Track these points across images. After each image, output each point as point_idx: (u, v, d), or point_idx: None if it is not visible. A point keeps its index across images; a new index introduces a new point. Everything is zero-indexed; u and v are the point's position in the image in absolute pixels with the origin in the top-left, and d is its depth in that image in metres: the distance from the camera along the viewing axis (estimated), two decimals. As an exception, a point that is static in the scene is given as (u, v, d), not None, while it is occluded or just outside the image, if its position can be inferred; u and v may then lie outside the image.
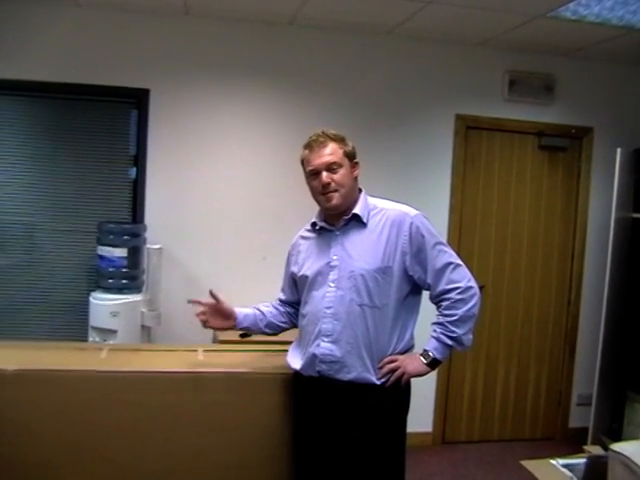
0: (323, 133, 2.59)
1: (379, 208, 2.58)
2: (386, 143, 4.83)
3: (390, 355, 2.49)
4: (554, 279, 5.25)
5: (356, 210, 2.55)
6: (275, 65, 4.65)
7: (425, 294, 2.61)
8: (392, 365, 2.48)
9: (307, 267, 2.65)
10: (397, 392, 2.50)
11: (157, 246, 4.32)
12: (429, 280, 2.50)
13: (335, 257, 2.54)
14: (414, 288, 2.54)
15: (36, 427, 2.54)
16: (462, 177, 4.99)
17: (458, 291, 2.48)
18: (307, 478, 2.61)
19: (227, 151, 4.64)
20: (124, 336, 4.01)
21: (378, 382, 2.46)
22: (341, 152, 2.55)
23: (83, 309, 4.29)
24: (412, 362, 2.49)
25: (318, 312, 2.54)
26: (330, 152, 2.54)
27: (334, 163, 2.53)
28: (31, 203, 4.46)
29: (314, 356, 2.51)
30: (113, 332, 4.02)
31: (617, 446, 3.22)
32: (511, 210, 5.12)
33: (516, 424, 5.25)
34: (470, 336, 2.52)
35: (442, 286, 2.49)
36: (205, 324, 2.83)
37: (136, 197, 4.54)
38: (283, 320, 2.89)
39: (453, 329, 2.47)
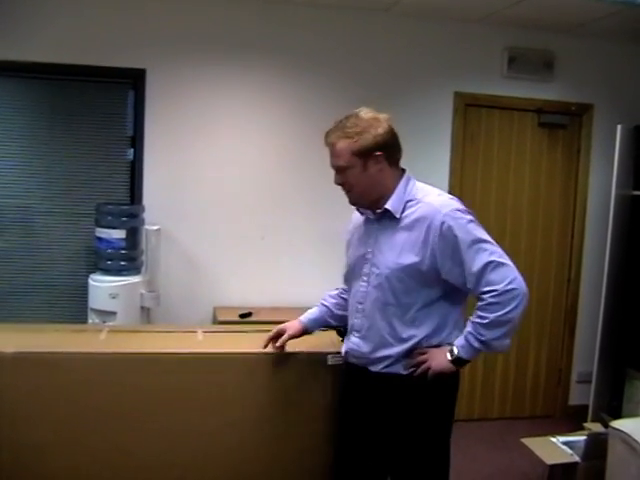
0: (335, 127, 2.41)
1: (416, 200, 2.39)
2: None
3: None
4: (554, 257, 5.24)
5: (388, 205, 2.38)
6: (272, 44, 4.61)
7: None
8: (420, 358, 2.36)
9: (350, 254, 2.58)
10: (432, 384, 2.37)
11: (155, 227, 4.31)
12: (469, 284, 2.31)
13: (370, 250, 2.44)
14: (453, 287, 2.37)
15: (36, 409, 2.54)
16: (461, 155, 4.96)
17: (494, 294, 2.26)
18: (345, 461, 2.59)
19: (225, 131, 4.62)
20: (123, 318, 4.01)
21: (405, 372, 2.38)
22: (349, 152, 2.34)
23: (82, 291, 4.28)
24: (438, 356, 2.36)
25: (352, 306, 2.51)
26: (337, 154, 2.37)
27: (339, 167, 2.39)
28: (28, 186, 4.44)
29: (347, 348, 2.53)
30: (112, 314, 4.01)
31: (617, 423, 3.25)
32: (510, 188, 5.10)
33: (516, 402, 5.27)
34: (505, 341, 2.32)
35: (480, 288, 2.28)
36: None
37: (134, 178, 4.52)
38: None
39: (482, 332, 2.28)
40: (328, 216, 4.57)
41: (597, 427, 3.83)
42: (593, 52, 5.11)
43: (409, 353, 2.37)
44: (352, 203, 2.50)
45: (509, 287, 2.28)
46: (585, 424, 4.06)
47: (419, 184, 2.50)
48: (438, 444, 2.47)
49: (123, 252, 4.14)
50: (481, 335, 2.30)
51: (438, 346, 2.37)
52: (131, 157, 4.52)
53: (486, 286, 2.27)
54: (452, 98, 4.91)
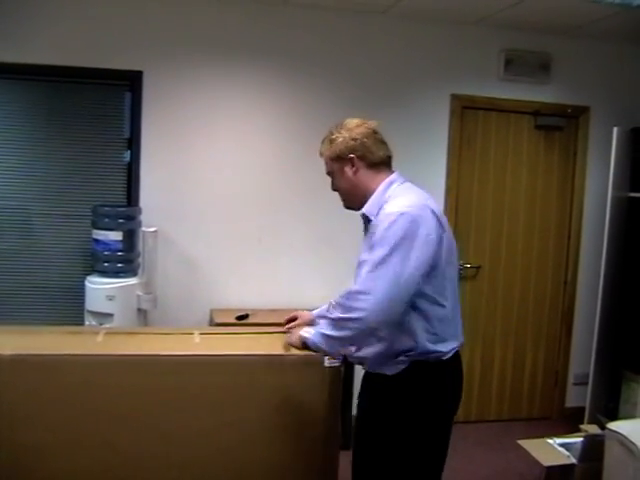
0: (324, 138, 2.57)
1: (387, 203, 2.39)
2: (382, 123, 4.78)
3: None
4: (551, 259, 5.25)
5: (364, 207, 2.45)
6: (270, 46, 4.61)
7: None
8: (287, 326, 2.65)
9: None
10: (400, 382, 2.38)
11: (152, 229, 4.30)
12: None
13: (360, 253, 2.47)
14: None
15: (34, 411, 2.54)
16: (458, 157, 4.97)
17: (344, 293, 2.32)
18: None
19: (222, 133, 4.61)
20: (120, 320, 4.01)
21: (389, 373, 2.38)
22: (328, 158, 2.52)
23: (79, 293, 4.26)
24: (295, 333, 2.54)
25: None
26: (324, 162, 2.55)
27: (327, 174, 2.57)
28: (25, 187, 4.43)
29: None
30: (109, 316, 4.01)
31: (614, 425, 3.26)
32: (507, 190, 5.11)
33: (513, 404, 5.27)
34: (336, 346, 2.41)
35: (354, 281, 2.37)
36: None
37: (131, 180, 4.52)
38: None
39: (325, 326, 2.40)
40: (325, 218, 4.58)
41: (594, 429, 3.83)
42: (590, 54, 5.12)
43: (384, 356, 2.38)
44: (345, 207, 2.59)
45: (360, 299, 2.24)
46: (582, 426, 4.06)
47: (401, 187, 2.48)
48: (403, 446, 2.42)
49: (120, 254, 4.14)
50: (322, 328, 2.40)
51: (404, 352, 2.34)
52: (128, 159, 4.52)
53: (355, 284, 2.32)
54: (449, 100, 4.91)
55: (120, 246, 4.13)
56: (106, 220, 4.14)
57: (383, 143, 2.58)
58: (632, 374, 4.68)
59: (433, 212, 2.33)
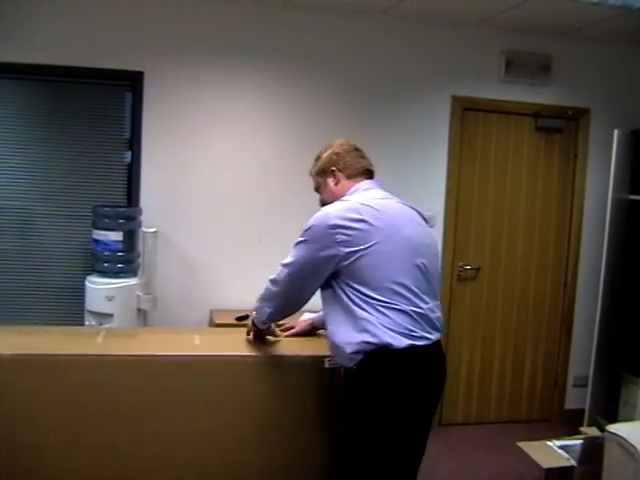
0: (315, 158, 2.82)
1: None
2: (382, 125, 4.81)
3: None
4: (550, 261, 5.25)
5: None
6: (270, 47, 4.61)
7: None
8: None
9: None
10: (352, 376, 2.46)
11: (153, 229, 4.31)
12: None
13: None
14: (331, 282, 2.49)
15: (34, 411, 2.53)
16: (458, 159, 4.97)
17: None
18: None
19: (222, 134, 4.62)
20: (120, 320, 4.01)
21: (350, 365, 2.44)
22: (314, 174, 2.79)
23: (79, 293, 4.27)
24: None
25: None
26: (313, 179, 2.82)
27: (315, 190, 2.82)
28: (25, 187, 4.43)
29: None
30: (109, 316, 4.01)
31: (613, 427, 3.26)
32: (507, 192, 5.11)
33: (513, 406, 5.27)
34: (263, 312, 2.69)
35: None
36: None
37: (131, 180, 4.52)
38: None
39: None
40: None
41: (593, 431, 3.84)
42: (590, 56, 5.12)
43: (339, 347, 2.46)
44: None
45: (270, 277, 2.67)
46: (581, 428, 4.07)
47: (361, 194, 2.61)
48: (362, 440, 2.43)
49: (120, 254, 4.14)
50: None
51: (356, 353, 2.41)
52: (128, 159, 4.52)
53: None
54: (450, 102, 4.92)
55: (120, 246, 4.13)
56: (106, 220, 4.14)
57: (363, 158, 2.78)
58: (632, 376, 4.68)
59: (363, 220, 2.43)
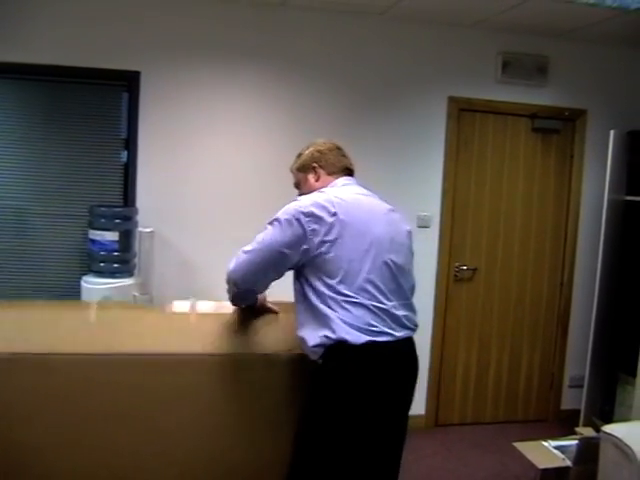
0: (296, 156, 2.85)
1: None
2: (378, 126, 4.82)
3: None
4: (547, 261, 5.26)
5: None
6: (267, 47, 4.61)
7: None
8: None
9: None
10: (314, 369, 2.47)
11: (149, 229, 4.30)
12: None
13: None
14: (299, 277, 2.52)
15: (31, 411, 2.52)
16: (455, 159, 4.97)
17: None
18: None
19: (219, 134, 4.61)
20: (116, 320, 4.00)
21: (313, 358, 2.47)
22: (296, 169, 2.82)
23: (75, 293, 4.26)
24: None
25: None
26: (293, 175, 2.85)
27: (295, 185, 2.85)
28: (21, 187, 4.43)
29: None
30: (105, 316, 4.00)
31: (609, 428, 3.26)
32: (504, 192, 5.12)
33: (509, 406, 5.27)
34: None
35: None
36: None
37: (127, 180, 4.51)
38: None
39: None
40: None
41: (589, 431, 3.84)
42: (587, 57, 5.13)
43: (304, 339, 2.48)
44: None
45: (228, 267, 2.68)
46: (577, 428, 4.07)
47: (339, 188, 2.64)
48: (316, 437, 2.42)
49: (116, 254, 4.13)
50: None
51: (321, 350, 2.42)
52: (125, 159, 4.52)
53: None
54: (446, 103, 4.92)
55: (116, 246, 4.12)
56: (102, 220, 4.14)
57: (345, 157, 2.80)
58: (627, 377, 4.68)
59: (335, 213, 2.44)
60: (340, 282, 2.39)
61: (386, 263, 2.48)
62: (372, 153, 4.76)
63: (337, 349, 2.36)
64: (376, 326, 2.39)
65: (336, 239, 2.41)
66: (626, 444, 3.03)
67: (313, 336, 2.42)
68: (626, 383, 4.70)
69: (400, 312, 2.48)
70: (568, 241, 5.24)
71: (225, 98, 4.60)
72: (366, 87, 4.78)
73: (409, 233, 2.70)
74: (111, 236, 4.11)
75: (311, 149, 2.77)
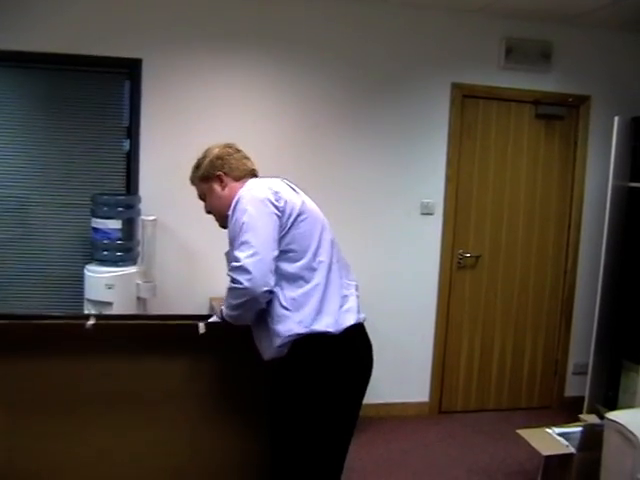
0: (193, 166, 2.80)
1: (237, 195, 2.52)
2: (382, 112, 4.80)
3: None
4: (551, 248, 5.25)
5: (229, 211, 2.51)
6: (271, 33, 4.59)
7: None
8: None
9: None
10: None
11: (152, 217, 4.30)
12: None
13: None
14: None
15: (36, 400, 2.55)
16: (458, 146, 4.95)
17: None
18: None
19: (222, 121, 4.59)
20: (119, 308, 4.00)
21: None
22: (198, 180, 2.74)
23: (78, 282, 4.27)
24: None
25: None
26: (196, 187, 2.79)
27: (200, 197, 2.78)
28: (23, 176, 4.42)
29: None
30: (108, 304, 4.00)
31: (612, 415, 3.26)
32: (507, 179, 5.10)
33: (512, 393, 5.28)
34: (229, 312, 2.51)
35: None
36: None
37: (130, 168, 4.51)
38: None
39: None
40: (325, 205, 4.55)
41: (593, 418, 3.85)
42: (591, 43, 5.10)
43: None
44: (220, 226, 2.73)
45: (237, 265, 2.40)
46: (581, 415, 4.07)
47: (253, 181, 2.61)
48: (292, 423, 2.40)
49: (119, 242, 4.13)
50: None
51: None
52: (127, 147, 4.51)
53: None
54: (449, 89, 4.90)
55: (119, 235, 4.12)
56: (105, 209, 4.13)
57: (247, 159, 2.76)
58: (631, 364, 4.68)
59: (282, 194, 2.46)
60: (302, 265, 2.41)
61: (333, 242, 2.59)
62: (375, 140, 4.75)
63: (303, 341, 2.36)
64: (329, 314, 2.41)
65: (297, 215, 2.44)
66: (630, 431, 3.03)
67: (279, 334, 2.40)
68: (630, 370, 4.69)
69: (350, 293, 2.55)
70: (572, 228, 5.23)
71: (227, 85, 4.58)
72: (368, 73, 4.76)
73: None
74: (114, 224, 4.11)
75: (210, 157, 2.69)
